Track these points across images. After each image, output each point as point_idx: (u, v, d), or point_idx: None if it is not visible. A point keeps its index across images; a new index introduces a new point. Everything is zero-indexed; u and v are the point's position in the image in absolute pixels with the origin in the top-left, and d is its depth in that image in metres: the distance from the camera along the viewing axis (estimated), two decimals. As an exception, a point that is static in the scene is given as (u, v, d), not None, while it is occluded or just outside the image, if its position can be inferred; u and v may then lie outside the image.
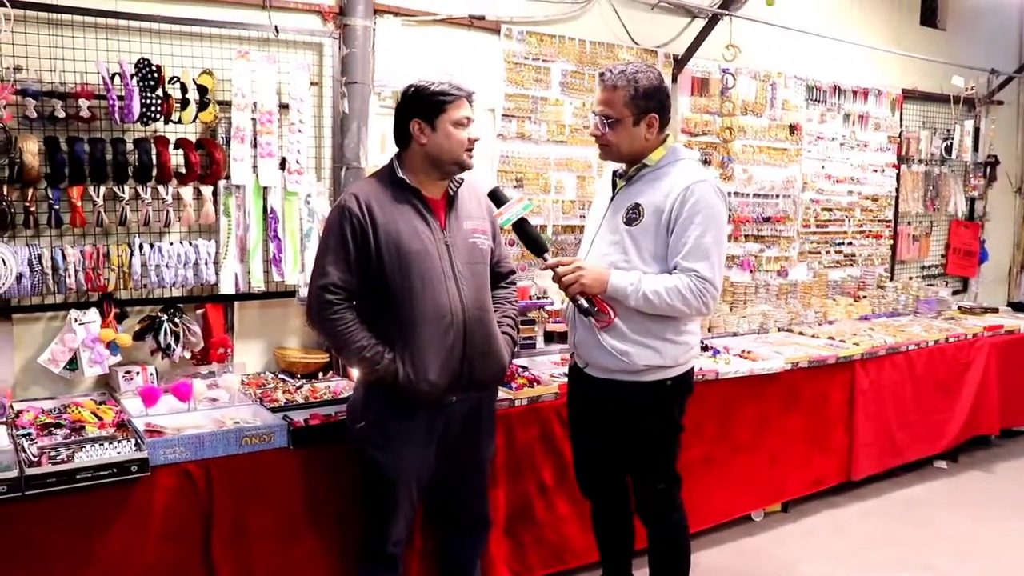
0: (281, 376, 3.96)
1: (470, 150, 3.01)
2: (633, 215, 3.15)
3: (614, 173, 3.32)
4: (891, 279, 6.84)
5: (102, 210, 3.48)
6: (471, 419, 3.12)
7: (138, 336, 3.65)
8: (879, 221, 6.73)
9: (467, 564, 3.36)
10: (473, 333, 2.98)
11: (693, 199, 3.04)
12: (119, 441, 2.97)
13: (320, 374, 4.02)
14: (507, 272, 3.35)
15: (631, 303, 3.06)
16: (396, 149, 3.09)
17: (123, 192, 3.52)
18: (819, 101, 6.18)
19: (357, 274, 2.92)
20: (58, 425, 3.15)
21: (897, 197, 6.81)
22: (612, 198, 3.27)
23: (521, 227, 3.12)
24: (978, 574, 4.32)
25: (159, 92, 3.49)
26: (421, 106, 2.96)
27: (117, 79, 3.41)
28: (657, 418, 3.24)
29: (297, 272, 3.92)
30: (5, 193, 3.29)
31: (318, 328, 3.09)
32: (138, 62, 3.45)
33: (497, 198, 3.15)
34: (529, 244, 3.16)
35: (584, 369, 3.31)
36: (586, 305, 3.07)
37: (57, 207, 3.39)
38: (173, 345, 3.66)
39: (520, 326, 4.40)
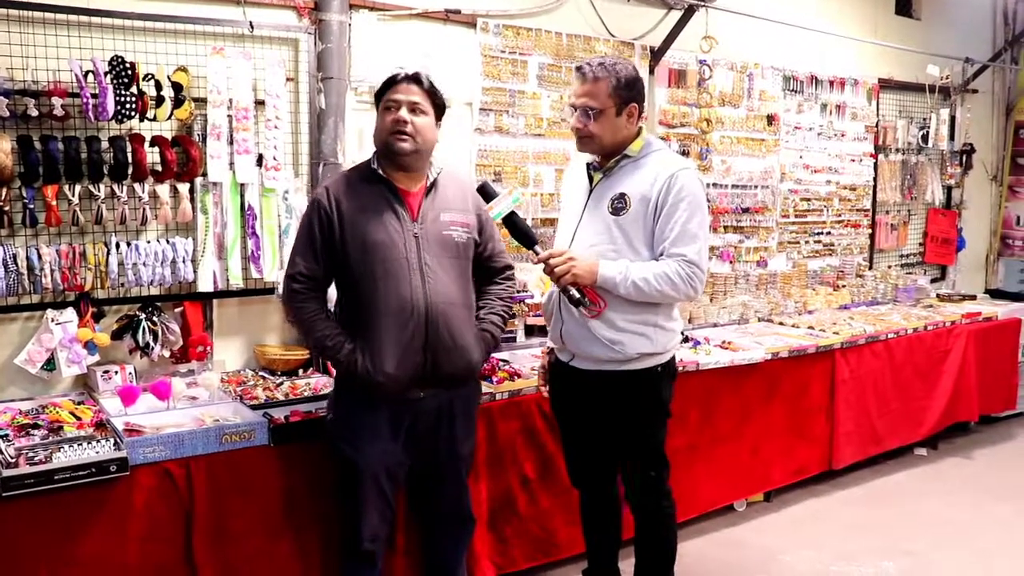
0: (261, 373, 3.94)
1: (398, 133, 2.93)
2: (619, 205, 3.17)
3: (588, 165, 3.33)
4: (870, 268, 6.88)
5: (77, 209, 3.45)
6: (443, 416, 3.08)
7: (116, 335, 3.63)
8: (857, 210, 6.76)
9: (451, 561, 3.35)
10: (437, 327, 2.93)
11: (678, 186, 3.09)
12: (98, 441, 2.96)
13: (300, 371, 4.00)
14: (502, 267, 3.31)
15: (621, 291, 3.09)
16: (372, 144, 3.11)
17: (99, 190, 3.49)
18: (796, 91, 6.20)
19: (324, 264, 2.96)
20: (36, 426, 3.12)
21: (875, 186, 6.85)
22: (591, 189, 3.28)
23: (511, 220, 3.15)
24: (959, 559, 4.36)
25: (133, 89, 3.46)
26: (376, 99, 3.06)
27: (90, 77, 3.38)
28: (650, 404, 3.28)
29: (276, 269, 3.90)
30: (-22, 193, 3.27)
31: (288, 315, 3.12)
32: (111, 59, 3.43)
33: (486, 193, 3.16)
34: (519, 237, 3.19)
35: (569, 363, 3.32)
36: (577, 295, 3.08)
37: (32, 206, 3.36)
38: (152, 344, 3.64)
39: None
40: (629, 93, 3.15)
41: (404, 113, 2.95)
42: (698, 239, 3.10)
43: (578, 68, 3.19)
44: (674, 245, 3.08)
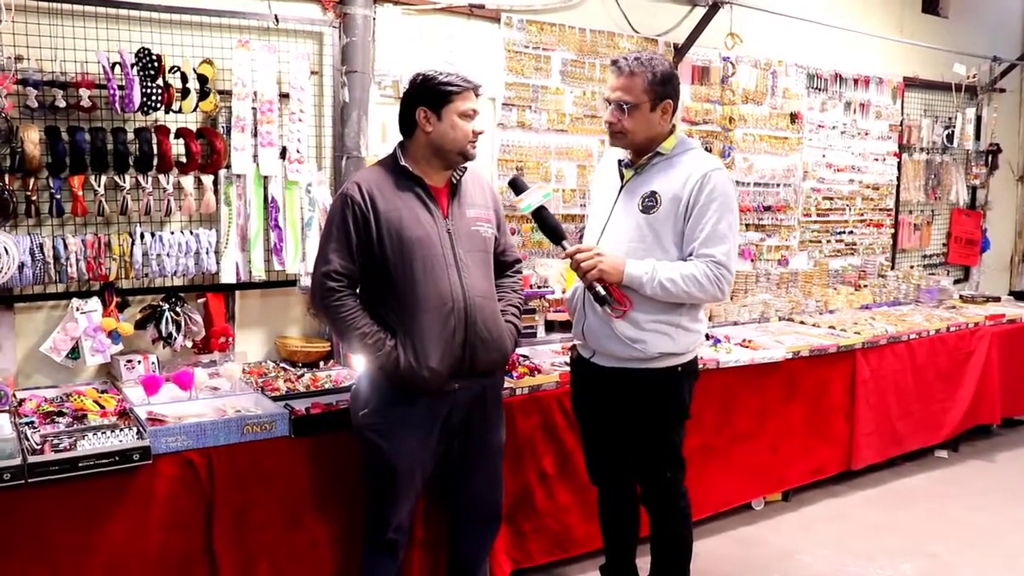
0: (282, 365, 3.97)
1: (474, 142, 3.02)
2: (650, 203, 3.15)
3: (619, 162, 3.31)
4: (892, 268, 6.84)
5: (103, 199, 3.48)
6: (477, 406, 3.12)
7: (140, 325, 3.66)
8: (880, 210, 6.72)
9: (476, 556, 3.36)
10: (474, 320, 2.98)
11: (710, 186, 3.07)
12: (121, 429, 2.99)
13: (321, 363, 4.02)
14: (512, 261, 3.34)
15: (647, 291, 3.07)
16: (398, 138, 3.10)
17: (124, 181, 3.52)
18: (820, 89, 6.16)
19: (359, 261, 2.94)
20: (60, 413, 3.15)
21: (898, 186, 6.81)
22: (621, 187, 3.26)
23: (540, 214, 3.15)
24: (979, 562, 4.33)
25: (159, 81, 3.49)
26: (429, 95, 2.97)
27: (117, 68, 3.41)
28: (669, 404, 3.26)
29: (298, 261, 3.92)
30: (7, 182, 3.29)
31: (321, 314, 3.13)
32: (138, 51, 3.45)
33: (516, 186, 3.17)
34: (548, 232, 3.19)
35: (591, 359, 3.32)
36: (603, 293, 3.06)
37: (58, 196, 3.40)
38: (174, 334, 3.66)
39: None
40: (664, 89, 3.12)
41: (480, 124, 3.02)
42: (727, 240, 3.08)
43: (614, 62, 3.17)
44: (703, 246, 3.06)
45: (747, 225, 5.81)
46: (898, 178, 6.79)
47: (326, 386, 3.66)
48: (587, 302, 3.21)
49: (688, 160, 3.16)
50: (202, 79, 3.62)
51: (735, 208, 3.15)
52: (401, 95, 3.10)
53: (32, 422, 3.06)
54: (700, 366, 3.43)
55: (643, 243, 3.14)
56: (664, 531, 3.41)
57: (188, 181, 3.67)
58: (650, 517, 3.42)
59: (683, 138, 3.25)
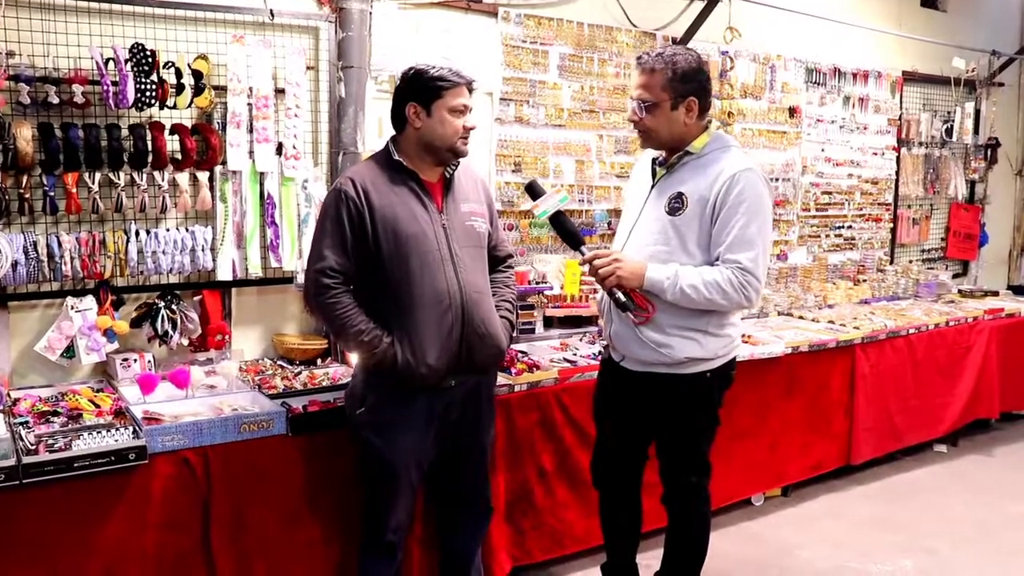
0: (279, 362, 3.95)
1: (465, 138, 2.97)
2: (676, 204, 3.06)
3: (653, 161, 3.23)
4: (891, 263, 6.83)
5: (97, 196, 3.46)
6: (470, 402, 3.10)
7: (135, 323, 3.64)
8: (879, 204, 6.71)
9: (468, 549, 3.35)
10: (471, 316, 2.95)
11: (738, 188, 2.96)
12: (117, 429, 2.96)
13: (319, 360, 4.00)
14: (505, 256, 3.32)
15: (668, 297, 2.99)
16: (393, 132, 3.07)
17: (118, 178, 3.49)
18: (819, 83, 6.15)
19: (354, 258, 2.90)
20: (55, 413, 3.13)
21: (897, 180, 6.79)
22: (652, 186, 3.19)
23: (557, 220, 3.10)
24: (978, 557, 4.32)
25: (154, 77, 3.46)
26: (418, 90, 2.93)
27: (111, 64, 3.38)
28: (697, 410, 3.20)
29: (294, 258, 3.90)
30: (-1, 180, 3.27)
31: (316, 312, 3.08)
32: (132, 47, 3.42)
33: (533, 191, 3.14)
34: (565, 237, 3.14)
35: (620, 363, 3.26)
36: (623, 299, 3.01)
37: (52, 194, 3.37)
38: (170, 332, 3.65)
39: (519, 311, 4.40)
40: (686, 86, 3.02)
41: (471, 120, 2.98)
42: (755, 246, 2.96)
43: (637, 59, 3.10)
44: (729, 251, 2.96)
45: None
46: (897, 172, 6.78)
47: (323, 383, 3.64)
48: (613, 306, 3.14)
49: (719, 160, 3.05)
50: (197, 75, 3.60)
51: (766, 211, 3.03)
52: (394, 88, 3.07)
53: (27, 422, 3.04)
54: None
55: (667, 246, 3.06)
56: (681, 532, 3.37)
57: (183, 178, 3.64)
58: (669, 517, 3.38)
59: (718, 136, 3.14)
